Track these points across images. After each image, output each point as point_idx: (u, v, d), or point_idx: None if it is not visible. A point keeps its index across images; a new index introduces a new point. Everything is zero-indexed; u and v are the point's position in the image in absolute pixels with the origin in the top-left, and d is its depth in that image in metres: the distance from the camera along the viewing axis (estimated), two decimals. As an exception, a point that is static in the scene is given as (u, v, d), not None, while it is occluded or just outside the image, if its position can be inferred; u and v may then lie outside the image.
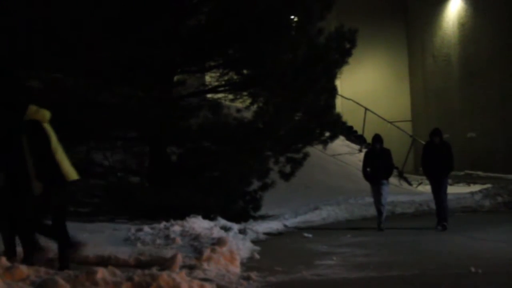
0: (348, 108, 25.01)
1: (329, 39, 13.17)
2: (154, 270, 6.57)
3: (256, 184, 13.15)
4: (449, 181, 21.71)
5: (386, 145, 12.34)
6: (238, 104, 13.81)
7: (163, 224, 10.00)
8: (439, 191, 11.88)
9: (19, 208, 6.99)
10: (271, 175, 13.24)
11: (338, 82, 14.76)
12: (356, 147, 22.54)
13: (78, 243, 7.22)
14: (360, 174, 18.98)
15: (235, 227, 10.77)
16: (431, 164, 11.84)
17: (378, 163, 12.19)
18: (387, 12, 28.69)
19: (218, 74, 13.49)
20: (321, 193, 16.06)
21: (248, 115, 12.98)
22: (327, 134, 13.93)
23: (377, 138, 12.39)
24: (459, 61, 25.93)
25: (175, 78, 13.41)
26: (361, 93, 26.74)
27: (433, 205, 15.08)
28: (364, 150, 22.63)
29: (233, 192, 12.55)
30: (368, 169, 12.28)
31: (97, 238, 9.25)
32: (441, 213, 11.67)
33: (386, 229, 11.51)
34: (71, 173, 7.06)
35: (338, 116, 14.01)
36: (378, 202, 11.95)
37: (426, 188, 17.32)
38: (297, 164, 13.50)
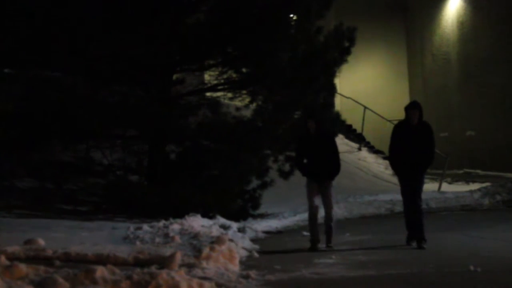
0: (347, 106, 25.00)
1: (328, 38, 13.17)
2: (153, 268, 6.56)
3: (255, 183, 13.17)
4: (448, 179, 21.79)
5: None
6: (237, 102, 13.83)
7: (162, 223, 10.00)
8: (413, 195, 8.86)
9: None
10: (270, 173, 13.25)
11: (337, 81, 14.77)
12: (355, 145, 22.54)
13: None
14: (359, 173, 19.05)
15: (234, 225, 10.77)
16: (403, 152, 8.74)
17: (318, 155, 8.71)
18: (387, 11, 28.67)
19: (217, 72, 13.51)
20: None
21: (247, 113, 12.99)
22: (326, 132, 13.92)
23: (312, 116, 8.74)
24: (458, 59, 25.92)
25: (174, 76, 13.42)
26: (360, 91, 26.73)
27: (432, 204, 15.05)
28: (364, 149, 22.67)
29: (232, 191, 12.55)
30: (304, 160, 8.95)
31: (96, 236, 9.26)
32: (416, 228, 8.84)
33: (385, 229, 11.43)
34: None
35: (337, 115, 14.01)
36: (313, 205, 8.94)
37: (426, 187, 17.25)
38: (296, 162, 13.50)
